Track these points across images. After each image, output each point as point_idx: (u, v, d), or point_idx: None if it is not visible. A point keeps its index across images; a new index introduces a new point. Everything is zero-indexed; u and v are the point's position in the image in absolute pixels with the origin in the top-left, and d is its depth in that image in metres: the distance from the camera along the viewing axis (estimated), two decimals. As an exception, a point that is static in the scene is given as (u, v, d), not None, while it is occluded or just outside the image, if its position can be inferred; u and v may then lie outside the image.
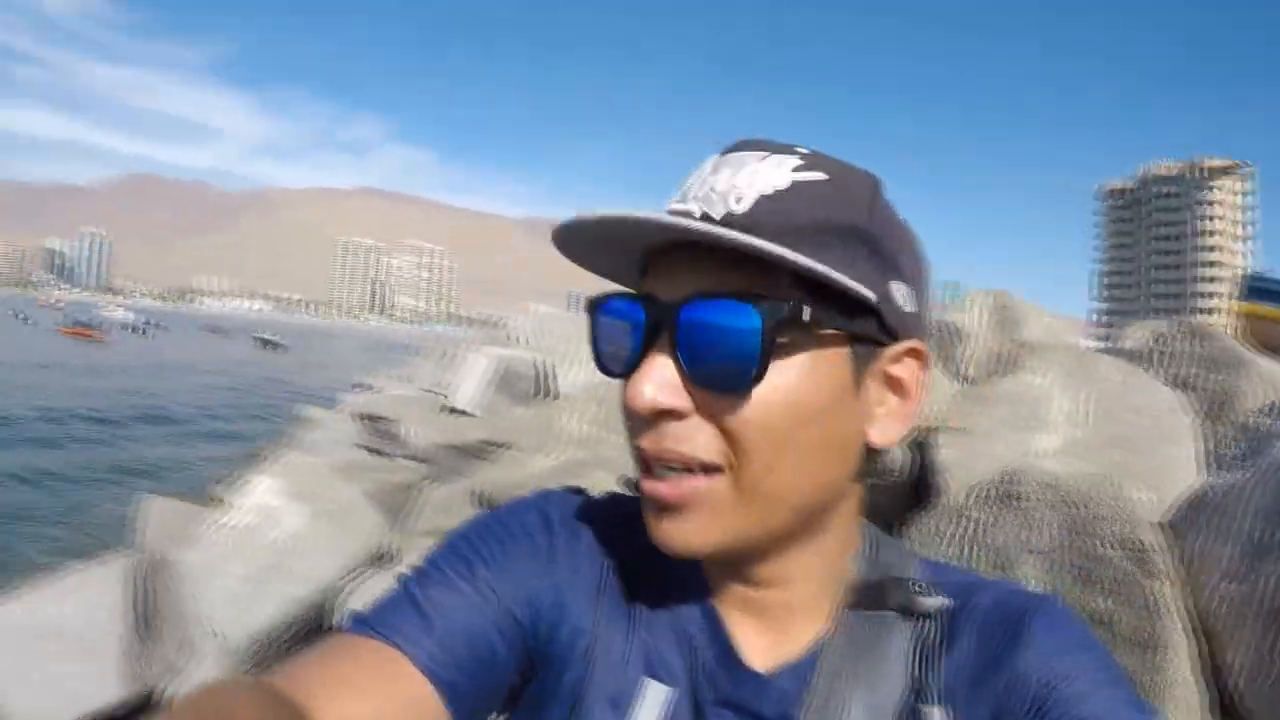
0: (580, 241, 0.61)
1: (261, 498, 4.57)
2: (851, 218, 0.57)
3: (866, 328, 0.58)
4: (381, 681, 0.58)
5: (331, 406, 6.95)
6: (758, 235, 0.53)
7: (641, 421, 0.57)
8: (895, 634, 0.60)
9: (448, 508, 4.29)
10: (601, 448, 4.79)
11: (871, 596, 0.62)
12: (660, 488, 0.57)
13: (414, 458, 5.41)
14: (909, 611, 0.61)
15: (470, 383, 5.68)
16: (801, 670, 0.61)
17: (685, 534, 0.58)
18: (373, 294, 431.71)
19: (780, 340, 0.54)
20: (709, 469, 0.56)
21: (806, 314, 0.54)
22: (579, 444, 4.84)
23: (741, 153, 0.60)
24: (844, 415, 0.58)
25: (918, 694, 0.58)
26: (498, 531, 0.68)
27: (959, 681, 0.58)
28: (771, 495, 0.57)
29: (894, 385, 0.61)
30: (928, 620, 0.60)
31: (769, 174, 0.57)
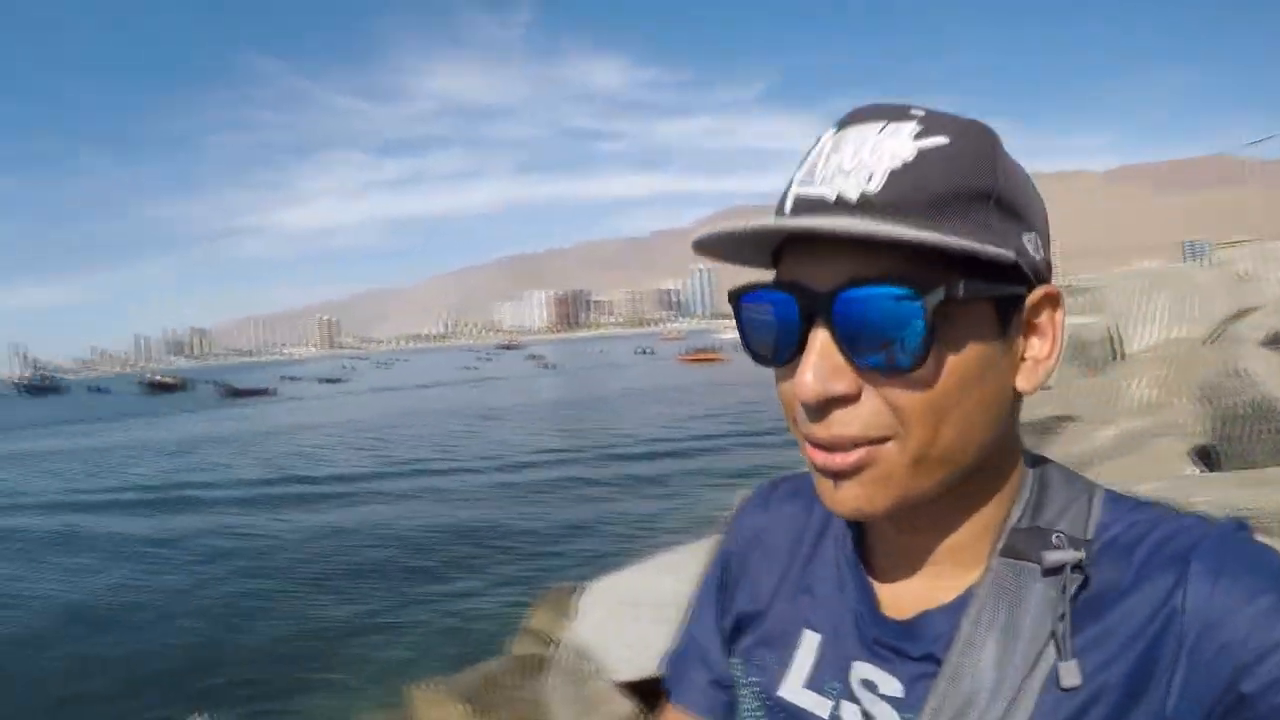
0: (714, 242, 0.62)
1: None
2: (980, 179, 0.58)
3: (1008, 286, 0.59)
4: None
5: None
6: (895, 214, 0.55)
7: (807, 408, 0.58)
8: (1035, 584, 0.60)
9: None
10: (1166, 412, 4.41)
11: (1019, 546, 0.62)
12: (832, 459, 0.59)
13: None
14: (1043, 563, 0.60)
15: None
16: (949, 614, 0.63)
17: (856, 499, 0.59)
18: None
19: (938, 319, 0.55)
20: (877, 441, 0.58)
21: (961, 289, 0.55)
22: (1143, 411, 4.51)
23: (859, 125, 0.60)
24: (997, 372, 0.59)
25: (1050, 646, 0.58)
26: (702, 588, 0.85)
27: (1097, 634, 0.57)
28: (937, 458, 0.58)
29: (1035, 331, 0.61)
30: (1068, 571, 0.59)
31: (893, 146, 0.57)
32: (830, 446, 0.58)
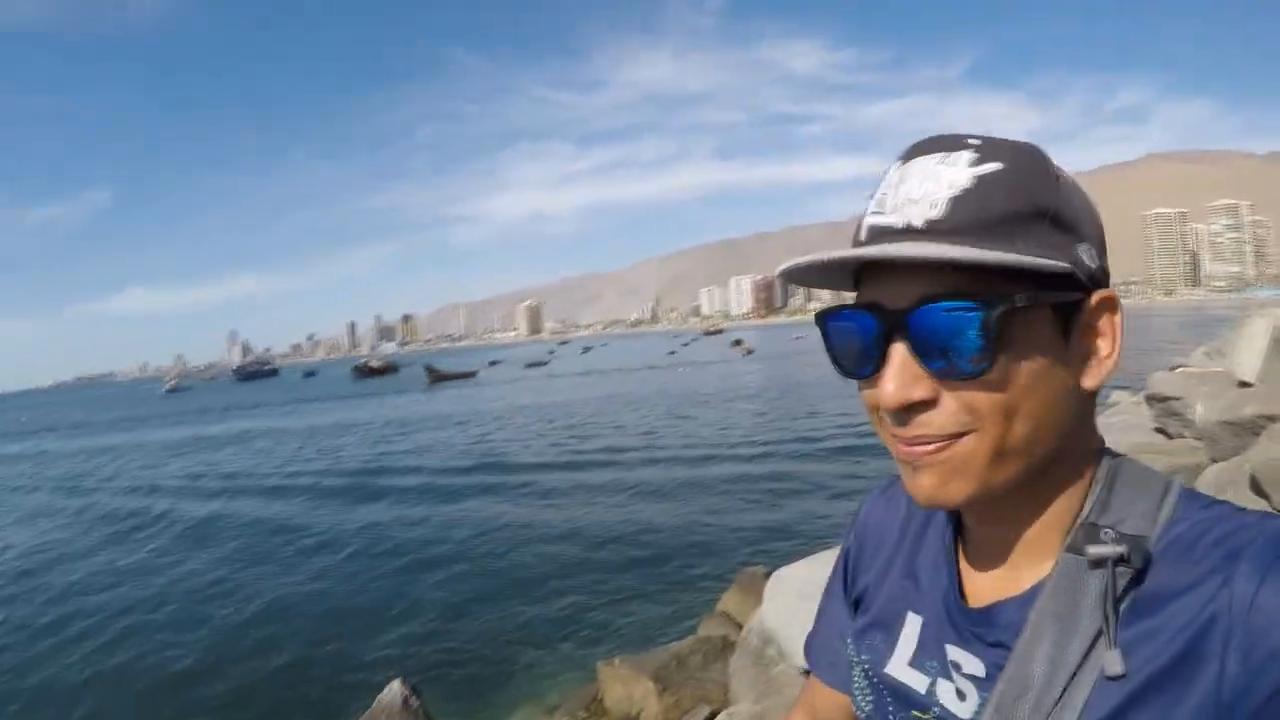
0: (799, 272, 0.68)
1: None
2: (1034, 198, 0.63)
3: (1067, 295, 0.63)
4: (816, 698, 0.97)
5: (1139, 390, 6.93)
6: (959, 237, 0.61)
7: (891, 415, 0.64)
8: (1091, 578, 0.63)
9: (1221, 490, 4.00)
10: None
11: (1082, 541, 0.64)
12: (914, 450, 0.64)
13: (1199, 437, 5.11)
14: (1088, 557, 0.63)
15: (1250, 351, 5.10)
16: (1020, 604, 0.67)
17: (934, 487, 0.65)
18: (1185, 264, 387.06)
19: (1002, 328, 0.60)
20: (957, 436, 0.63)
21: (1021, 300, 0.60)
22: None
23: (921, 158, 0.65)
24: (1061, 373, 0.64)
25: (1102, 637, 0.61)
26: (832, 575, 0.95)
27: (1150, 627, 0.60)
28: (1013, 450, 0.63)
29: (1096, 334, 0.66)
30: (1111, 565, 0.62)
31: (952, 175, 0.63)
32: (913, 443, 0.64)
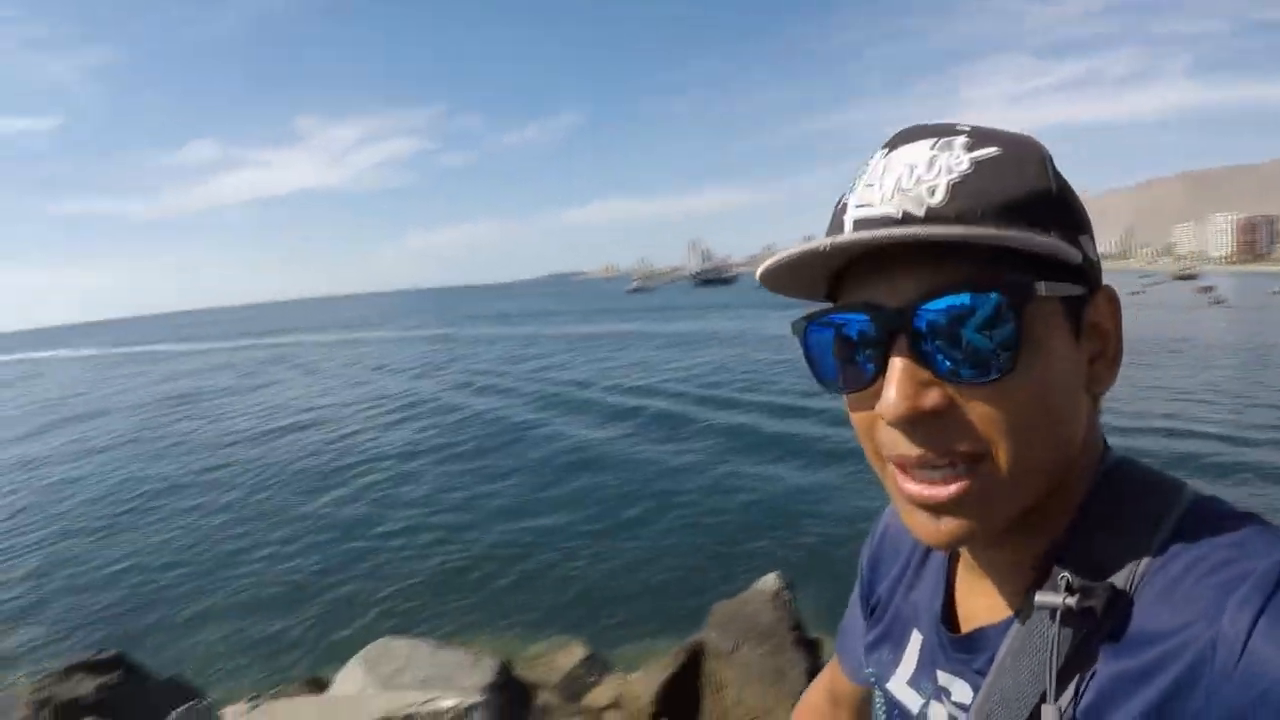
0: (778, 270, 0.60)
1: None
2: (1036, 184, 0.57)
3: (1076, 288, 0.57)
4: (836, 681, 0.99)
5: None
6: (964, 224, 0.54)
7: (898, 431, 0.56)
8: (1047, 622, 0.57)
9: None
10: None
11: (1048, 577, 0.58)
12: (925, 491, 0.56)
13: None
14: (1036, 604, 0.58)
15: None
16: (999, 633, 0.63)
17: (960, 529, 0.57)
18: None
19: (1026, 321, 0.54)
20: (972, 459, 0.55)
21: (1042, 289, 0.54)
22: None
23: (909, 145, 0.59)
24: (1076, 375, 0.58)
25: (1046, 689, 0.56)
26: (859, 577, 0.90)
27: (1116, 673, 0.54)
28: (1033, 470, 0.56)
29: (1099, 333, 0.60)
30: (1058, 616, 0.56)
31: (947, 160, 0.57)
32: (924, 463, 0.56)
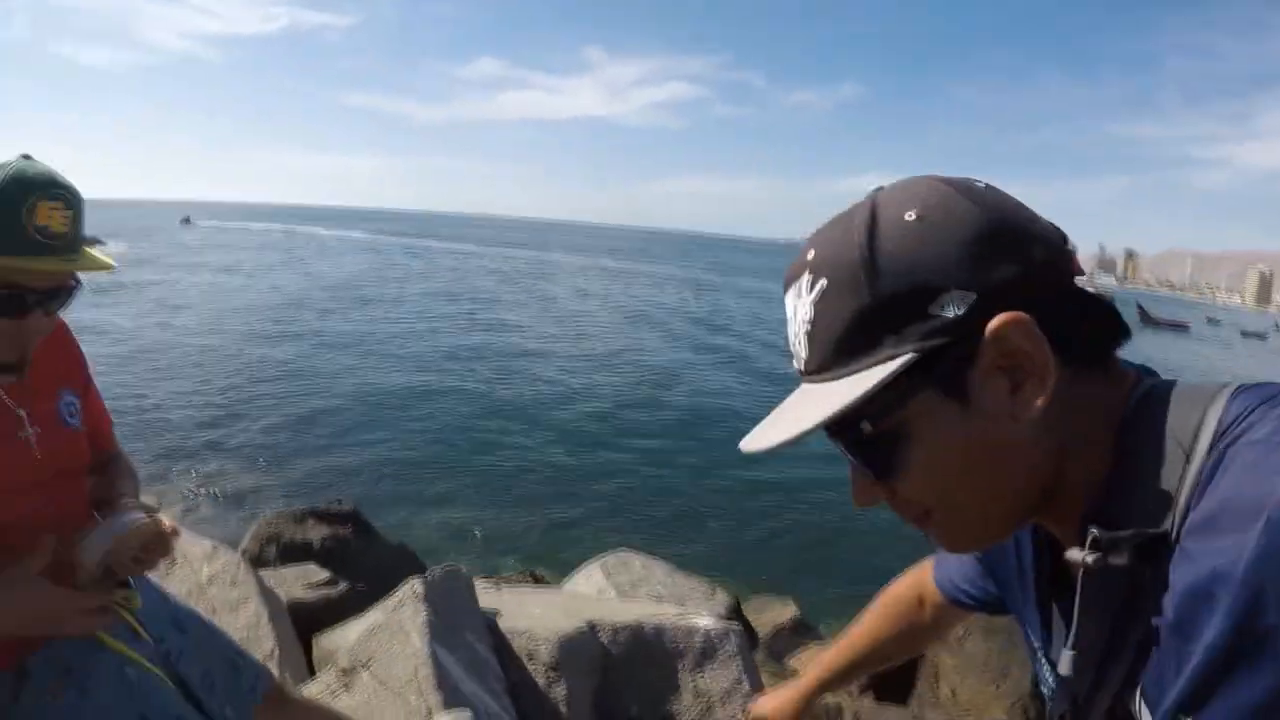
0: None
1: None
2: (856, 300, 0.59)
3: (943, 364, 0.59)
4: (924, 585, 1.16)
5: None
6: (824, 373, 0.62)
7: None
8: (1082, 577, 0.62)
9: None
10: None
11: (1084, 538, 0.60)
12: (912, 524, 0.68)
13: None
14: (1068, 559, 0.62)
15: None
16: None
17: (945, 545, 0.70)
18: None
19: (876, 442, 0.62)
20: (929, 514, 0.66)
21: (867, 427, 0.61)
22: None
23: (788, 293, 0.66)
24: (987, 428, 0.60)
25: (1069, 636, 0.64)
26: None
27: (1145, 628, 0.58)
28: (976, 516, 0.65)
29: (1011, 358, 0.58)
30: (1082, 568, 0.60)
31: (801, 310, 0.63)
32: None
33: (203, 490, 9.51)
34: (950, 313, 0.58)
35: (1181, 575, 0.54)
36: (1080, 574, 0.61)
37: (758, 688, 3.28)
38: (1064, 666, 0.65)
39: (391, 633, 2.54)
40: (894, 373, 0.58)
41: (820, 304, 0.61)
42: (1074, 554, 0.60)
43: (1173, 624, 0.55)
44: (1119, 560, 0.57)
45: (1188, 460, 0.56)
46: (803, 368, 0.65)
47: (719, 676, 3.28)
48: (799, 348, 0.65)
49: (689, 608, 4.00)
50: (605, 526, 9.40)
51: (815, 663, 1.38)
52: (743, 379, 18.64)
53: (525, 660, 2.91)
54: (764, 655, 5.47)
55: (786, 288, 0.66)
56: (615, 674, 3.14)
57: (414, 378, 16.24)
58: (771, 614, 6.37)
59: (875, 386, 0.58)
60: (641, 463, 12.04)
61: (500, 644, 2.93)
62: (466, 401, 14.75)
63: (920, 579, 1.18)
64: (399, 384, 15.65)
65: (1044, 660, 0.76)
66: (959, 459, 0.61)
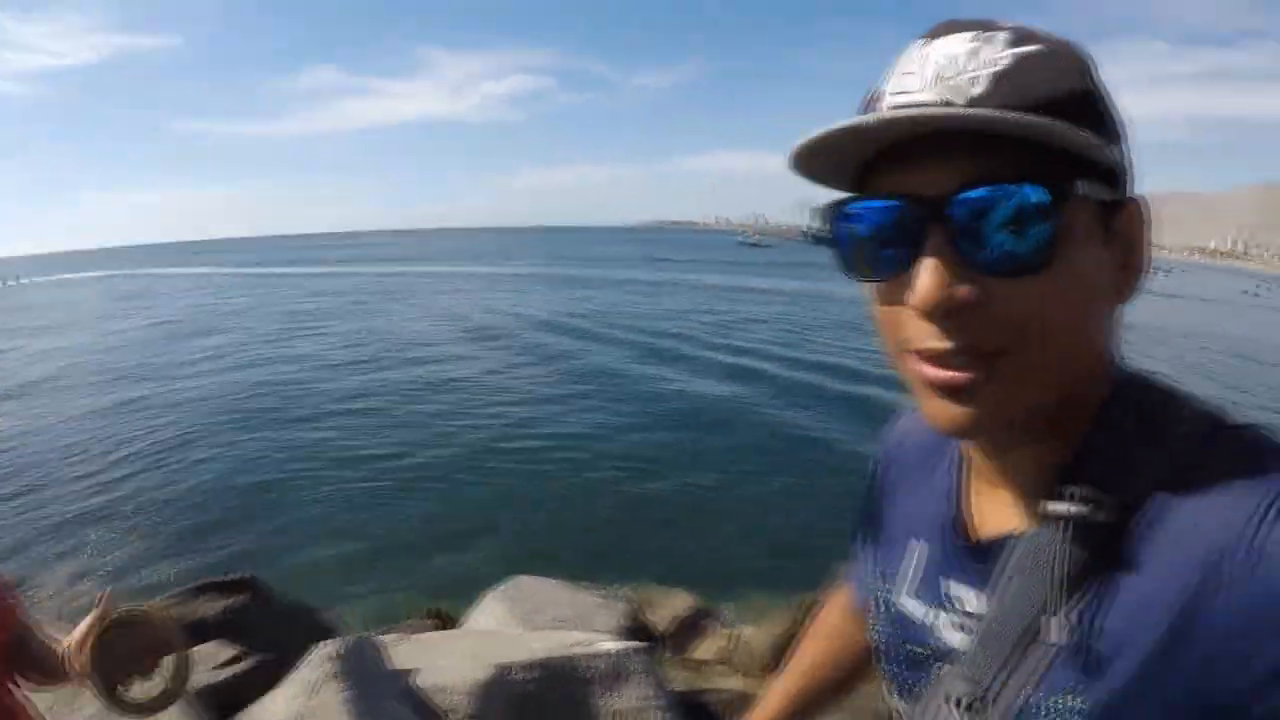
0: (807, 154, 0.58)
1: None
2: (1077, 84, 0.55)
3: (1114, 193, 0.56)
4: (848, 605, 0.99)
5: None
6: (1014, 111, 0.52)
7: (926, 323, 0.56)
8: (1056, 533, 0.57)
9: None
10: None
11: (1061, 488, 0.58)
12: (944, 375, 0.56)
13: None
14: (1047, 513, 0.58)
15: None
16: (1008, 546, 0.62)
17: (958, 416, 0.57)
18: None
19: (1065, 215, 0.53)
20: (994, 354, 0.55)
21: (1082, 189, 0.53)
22: None
23: (950, 35, 0.58)
24: (1105, 278, 0.57)
25: (1049, 600, 0.56)
26: (865, 493, 0.89)
27: (1124, 588, 0.54)
28: (1051, 369, 0.56)
29: (1130, 243, 0.58)
30: (1066, 526, 0.56)
31: (990, 54, 0.55)
32: (946, 357, 0.56)
33: (84, 582, 8.63)
34: (1124, 160, 0.58)
35: (1184, 554, 0.51)
36: (1038, 529, 0.59)
37: (670, 697, 3.43)
38: (964, 641, 0.62)
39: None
40: (1107, 158, 0.54)
41: (1031, 60, 0.55)
42: (1058, 507, 0.57)
43: (1149, 587, 0.53)
44: (1100, 516, 0.55)
45: (1167, 441, 0.57)
46: (965, 102, 0.54)
47: (632, 695, 3.42)
48: (969, 83, 0.54)
49: (594, 628, 4.06)
50: (495, 547, 9.38)
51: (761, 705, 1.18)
52: (602, 384, 18.91)
53: (445, 717, 2.93)
54: (670, 653, 5.59)
55: (943, 34, 0.58)
56: (533, 712, 3.23)
57: (259, 431, 15.28)
58: (668, 607, 6.48)
59: (1101, 153, 0.53)
60: (516, 479, 12.02)
61: (419, 705, 2.93)
62: (327, 446, 14.01)
63: (841, 601, 1.04)
64: (255, 436, 14.81)
65: (893, 593, 0.76)
66: (1084, 290, 0.55)
